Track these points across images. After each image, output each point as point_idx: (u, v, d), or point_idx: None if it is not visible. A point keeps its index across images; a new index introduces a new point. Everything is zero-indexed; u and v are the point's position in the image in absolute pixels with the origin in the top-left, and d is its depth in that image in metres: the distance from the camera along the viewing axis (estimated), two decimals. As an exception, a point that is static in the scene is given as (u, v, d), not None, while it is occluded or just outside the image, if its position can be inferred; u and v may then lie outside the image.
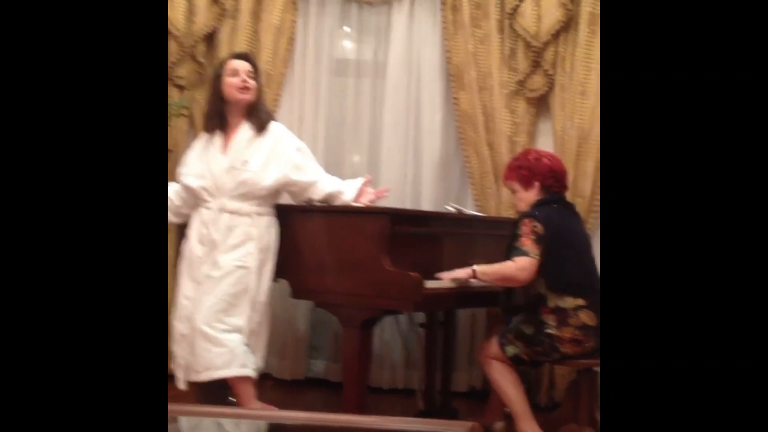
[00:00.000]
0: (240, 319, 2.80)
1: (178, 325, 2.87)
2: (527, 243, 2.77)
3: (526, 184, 2.94)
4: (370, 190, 2.99)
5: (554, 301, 2.78)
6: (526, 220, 2.82)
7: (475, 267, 2.81)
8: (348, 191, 2.94)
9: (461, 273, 2.83)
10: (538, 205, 2.90)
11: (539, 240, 2.77)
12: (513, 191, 3.03)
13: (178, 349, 2.87)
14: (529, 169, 2.93)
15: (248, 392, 2.80)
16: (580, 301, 2.75)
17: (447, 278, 2.83)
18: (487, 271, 2.80)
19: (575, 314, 2.75)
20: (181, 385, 2.87)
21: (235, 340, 2.78)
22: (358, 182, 2.98)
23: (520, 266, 2.75)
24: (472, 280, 2.84)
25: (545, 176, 2.92)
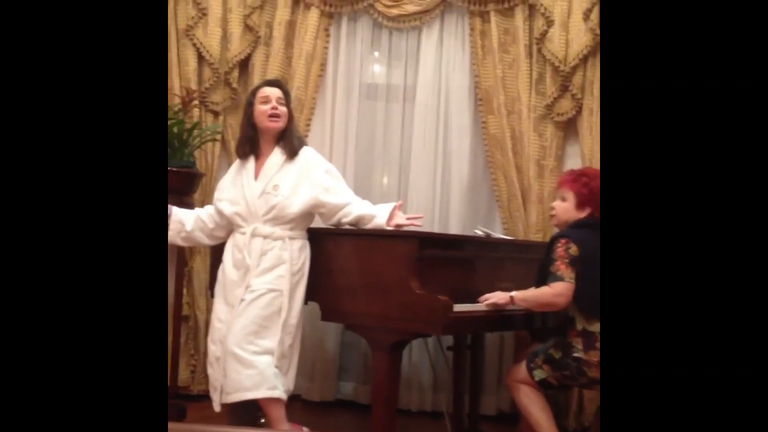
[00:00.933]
0: (271, 341, 2.84)
1: (212, 348, 2.93)
2: (562, 267, 2.77)
3: (581, 203, 2.90)
4: (401, 214, 3.01)
5: (582, 324, 2.78)
6: (562, 241, 2.80)
7: (514, 293, 2.82)
8: (380, 214, 2.96)
9: (500, 299, 2.84)
10: (576, 225, 2.88)
11: (573, 263, 2.77)
12: (562, 199, 2.96)
13: (212, 372, 2.92)
14: (591, 192, 2.88)
15: (278, 414, 2.83)
16: None
17: (485, 303, 2.85)
18: (525, 297, 2.81)
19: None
20: (216, 407, 2.91)
21: (266, 362, 2.81)
22: (390, 206, 3.01)
23: (557, 292, 2.76)
24: (510, 306, 2.86)
25: (599, 208, 2.86)
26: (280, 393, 2.83)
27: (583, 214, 2.90)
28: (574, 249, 2.78)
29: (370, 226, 2.95)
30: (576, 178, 2.94)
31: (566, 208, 2.94)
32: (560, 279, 2.76)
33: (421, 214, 3.19)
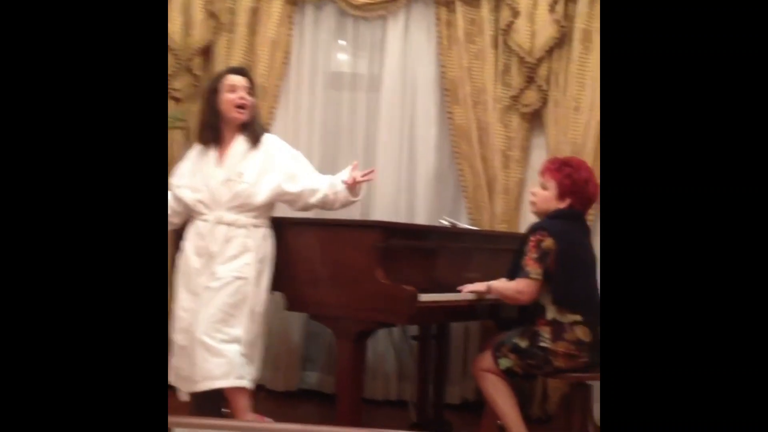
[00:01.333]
0: (238, 329, 2.81)
1: (177, 337, 2.88)
2: (529, 263, 2.76)
3: (561, 194, 2.85)
4: (357, 172, 2.97)
5: (552, 314, 2.79)
6: (537, 235, 2.78)
7: (491, 282, 2.84)
8: (338, 183, 2.94)
9: (479, 287, 2.87)
10: (555, 216, 2.85)
11: (542, 258, 2.76)
12: (543, 187, 2.92)
13: (178, 361, 2.87)
14: (573, 183, 2.83)
15: (243, 404, 2.81)
16: (578, 317, 2.76)
17: (466, 291, 2.87)
18: (498, 288, 2.84)
19: (571, 329, 2.76)
20: (184, 396, 2.88)
21: (234, 350, 2.79)
22: (347, 170, 2.98)
23: (518, 289, 2.77)
24: (487, 295, 2.88)
25: (581, 200, 2.86)
26: (247, 382, 2.80)
27: (563, 205, 2.86)
28: (548, 243, 2.77)
29: (337, 198, 2.95)
30: (559, 167, 2.89)
31: (546, 197, 2.90)
32: (526, 275, 2.76)
33: (372, 168, 3.14)
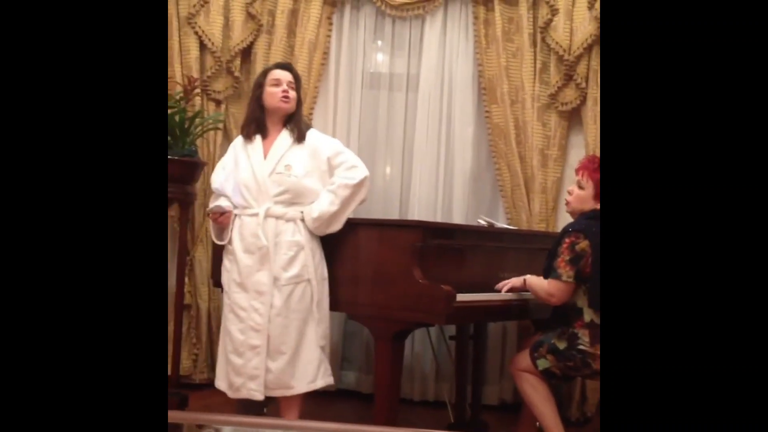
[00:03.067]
0: (316, 330, 2.87)
1: (240, 337, 2.83)
2: (561, 264, 2.75)
3: (599, 194, 2.80)
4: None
5: (590, 316, 2.76)
6: (572, 236, 2.76)
7: (527, 276, 2.86)
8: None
9: (515, 282, 2.89)
10: (589, 216, 2.81)
11: (575, 260, 2.73)
12: (580, 186, 2.88)
13: (244, 361, 2.82)
14: None
15: (299, 405, 2.88)
16: None
17: (504, 289, 2.89)
18: (531, 284, 2.85)
19: None
20: (260, 395, 2.82)
21: (318, 352, 2.88)
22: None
23: (549, 291, 2.77)
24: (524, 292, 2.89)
25: (600, 198, 2.79)
26: (331, 380, 2.93)
27: (599, 205, 2.81)
28: (583, 245, 2.74)
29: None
30: (598, 167, 2.82)
31: (583, 197, 2.87)
32: (558, 277, 2.74)
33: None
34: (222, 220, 2.92)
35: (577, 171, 2.94)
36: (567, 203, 2.96)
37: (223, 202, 2.95)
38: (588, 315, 2.77)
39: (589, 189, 2.84)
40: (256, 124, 2.97)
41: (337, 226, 2.90)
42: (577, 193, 2.88)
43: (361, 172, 2.96)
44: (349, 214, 2.92)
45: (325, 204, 2.87)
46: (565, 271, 2.73)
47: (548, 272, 2.79)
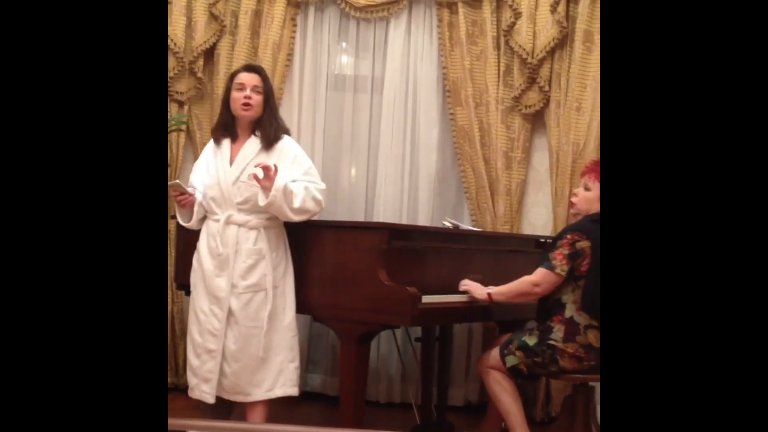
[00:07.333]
0: (286, 339, 2.84)
1: (198, 339, 2.82)
2: (558, 257, 2.75)
3: None
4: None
5: (571, 312, 2.78)
6: (575, 234, 2.76)
7: (491, 290, 2.83)
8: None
9: (478, 293, 2.87)
10: (593, 219, 2.80)
11: (573, 256, 2.74)
12: (586, 188, 2.88)
13: (200, 363, 2.81)
14: None
15: (264, 409, 2.85)
16: (594, 322, 2.75)
17: (462, 287, 2.88)
18: (502, 292, 2.83)
19: (585, 332, 2.75)
20: (210, 398, 2.82)
21: (279, 360, 2.83)
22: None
23: (536, 280, 2.76)
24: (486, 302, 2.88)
25: (600, 200, 2.78)
26: (296, 389, 2.89)
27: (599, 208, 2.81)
28: (583, 244, 2.75)
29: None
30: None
31: (589, 198, 2.87)
32: (550, 267, 2.74)
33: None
34: (181, 199, 2.88)
35: (582, 174, 2.97)
36: (572, 204, 2.96)
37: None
38: (570, 311, 2.78)
39: (596, 191, 2.85)
40: (224, 128, 2.92)
41: (282, 212, 2.77)
42: (584, 194, 2.89)
43: (323, 202, 2.90)
44: (290, 215, 2.80)
45: (298, 197, 2.78)
46: (560, 264, 2.74)
47: (541, 261, 2.79)
